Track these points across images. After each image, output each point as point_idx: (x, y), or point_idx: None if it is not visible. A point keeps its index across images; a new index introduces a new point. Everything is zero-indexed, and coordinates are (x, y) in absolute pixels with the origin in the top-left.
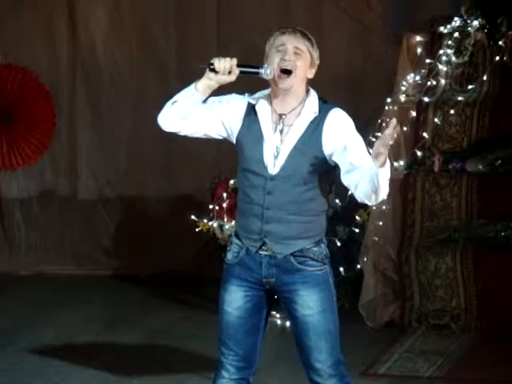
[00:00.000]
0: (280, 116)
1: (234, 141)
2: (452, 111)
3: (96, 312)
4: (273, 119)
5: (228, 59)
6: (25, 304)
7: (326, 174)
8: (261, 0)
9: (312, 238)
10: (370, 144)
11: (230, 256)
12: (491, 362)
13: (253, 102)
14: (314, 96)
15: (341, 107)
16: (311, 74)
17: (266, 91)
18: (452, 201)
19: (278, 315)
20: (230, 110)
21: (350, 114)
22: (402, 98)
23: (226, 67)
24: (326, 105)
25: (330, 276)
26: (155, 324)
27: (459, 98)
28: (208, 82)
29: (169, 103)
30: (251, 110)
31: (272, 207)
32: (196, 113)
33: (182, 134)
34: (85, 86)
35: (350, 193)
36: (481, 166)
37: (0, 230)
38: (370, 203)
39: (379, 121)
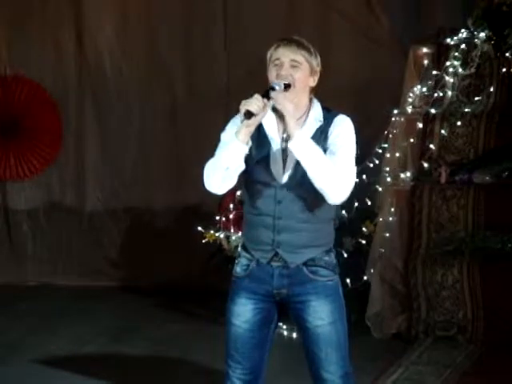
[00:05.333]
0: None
1: None
2: (459, 123)
3: (102, 323)
4: (279, 130)
5: (255, 98)
6: (31, 315)
7: None
8: (268, 13)
9: (322, 246)
10: (375, 155)
11: (238, 269)
12: (498, 373)
13: None
14: (317, 105)
15: (347, 115)
16: (313, 82)
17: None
18: (459, 212)
19: (284, 326)
20: None
21: (357, 126)
22: (409, 109)
23: (259, 106)
24: (330, 113)
25: (340, 286)
26: (161, 335)
27: (466, 110)
28: (248, 129)
29: (215, 170)
30: None
31: (283, 216)
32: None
33: None
34: (92, 98)
35: (356, 204)
36: (487, 178)
37: (7, 240)
38: (330, 201)
39: (386, 132)
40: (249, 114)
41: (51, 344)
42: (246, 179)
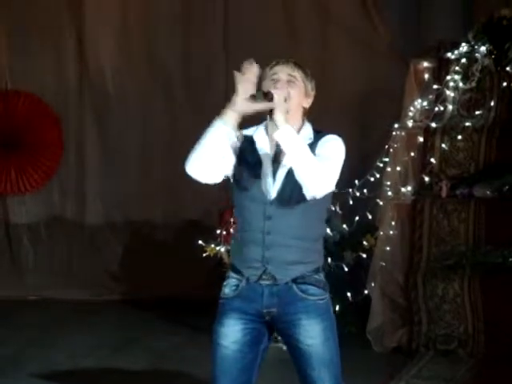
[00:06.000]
0: (277, 143)
1: (231, 174)
2: (459, 137)
3: (102, 336)
4: (271, 147)
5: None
6: (31, 328)
7: (324, 198)
8: (268, 13)
9: (311, 263)
10: (376, 169)
11: (227, 290)
12: None
13: (249, 133)
14: (308, 126)
15: (338, 135)
16: (307, 104)
17: (260, 125)
18: (459, 226)
19: (280, 338)
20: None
21: (358, 139)
22: (410, 123)
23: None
24: (320, 133)
25: (330, 305)
26: (161, 348)
27: (466, 124)
28: (234, 115)
29: (197, 152)
30: (247, 140)
31: (272, 232)
32: (225, 161)
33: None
34: (93, 110)
35: (357, 218)
36: (488, 192)
37: (8, 254)
38: (308, 194)
39: (386, 146)
40: (270, 96)
41: (51, 357)
42: (237, 195)
